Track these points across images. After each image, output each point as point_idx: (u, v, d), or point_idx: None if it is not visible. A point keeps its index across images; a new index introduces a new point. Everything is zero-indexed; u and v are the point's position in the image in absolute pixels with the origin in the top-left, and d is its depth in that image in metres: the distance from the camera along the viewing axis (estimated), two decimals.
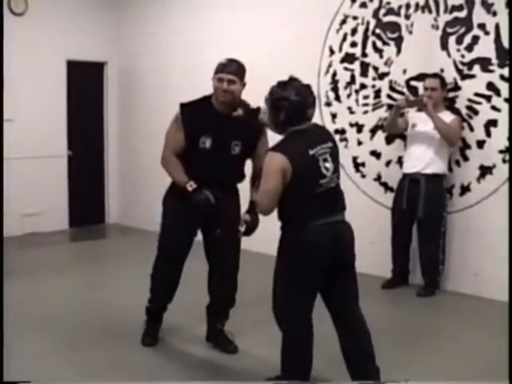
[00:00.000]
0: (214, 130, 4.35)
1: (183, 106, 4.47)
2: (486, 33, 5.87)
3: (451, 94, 6.11)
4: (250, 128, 4.38)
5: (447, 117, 5.97)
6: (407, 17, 6.39)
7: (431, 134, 5.95)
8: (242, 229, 4.20)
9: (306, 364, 3.84)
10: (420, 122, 6.04)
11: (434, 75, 6.05)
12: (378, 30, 6.62)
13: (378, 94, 6.68)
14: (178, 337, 4.97)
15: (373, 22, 6.66)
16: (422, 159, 6.02)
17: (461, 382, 4.07)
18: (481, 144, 5.99)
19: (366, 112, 6.76)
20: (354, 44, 6.84)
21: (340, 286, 3.79)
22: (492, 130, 5.91)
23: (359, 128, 6.81)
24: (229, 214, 4.42)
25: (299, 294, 3.72)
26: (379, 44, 6.63)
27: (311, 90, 3.76)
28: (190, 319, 5.19)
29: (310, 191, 3.60)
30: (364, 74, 6.77)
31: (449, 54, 6.11)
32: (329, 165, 3.64)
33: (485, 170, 5.98)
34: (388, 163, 6.60)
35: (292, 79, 3.73)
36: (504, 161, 5.83)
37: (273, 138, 3.95)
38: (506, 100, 5.78)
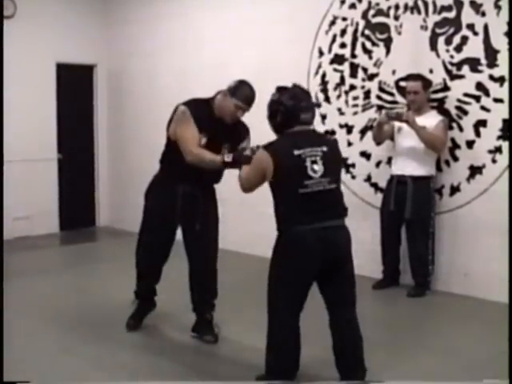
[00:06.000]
0: (211, 130, 4.57)
1: (187, 104, 4.64)
2: (475, 33, 5.89)
3: (440, 95, 6.12)
4: (238, 135, 4.71)
5: (433, 118, 5.98)
6: (396, 18, 6.40)
7: (416, 143, 5.95)
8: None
9: (287, 364, 3.89)
10: (405, 126, 6.02)
11: (416, 77, 6.04)
12: (367, 31, 6.63)
13: (367, 94, 6.69)
14: (174, 331, 5.02)
15: (362, 23, 6.67)
16: (409, 164, 6.04)
17: (460, 383, 4.07)
18: (470, 144, 6.00)
19: (355, 113, 6.77)
20: (343, 45, 6.84)
21: (335, 291, 3.87)
22: (481, 130, 5.92)
23: (349, 129, 6.82)
24: (207, 210, 4.78)
25: (284, 296, 3.81)
26: (368, 45, 6.64)
27: (309, 95, 4.00)
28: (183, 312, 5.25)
29: (293, 190, 3.69)
30: (353, 75, 6.78)
31: (438, 55, 6.13)
32: (317, 167, 3.71)
33: (474, 170, 5.99)
34: (378, 164, 6.61)
35: (294, 86, 3.93)
36: (493, 161, 5.84)
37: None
38: (495, 100, 5.80)
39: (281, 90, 3.91)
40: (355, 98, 6.78)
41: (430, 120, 5.95)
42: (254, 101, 4.61)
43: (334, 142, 3.98)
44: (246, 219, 7.66)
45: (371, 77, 6.65)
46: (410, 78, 6.10)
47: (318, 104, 6.12)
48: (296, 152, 3.70)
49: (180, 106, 4.66)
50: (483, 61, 5.85)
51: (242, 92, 4.58)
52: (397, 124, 6.13)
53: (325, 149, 3.78)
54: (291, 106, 3.79)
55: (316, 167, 3.71)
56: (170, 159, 4.76)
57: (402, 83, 6.32)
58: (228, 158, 4.31)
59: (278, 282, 3.82)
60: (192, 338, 4.92)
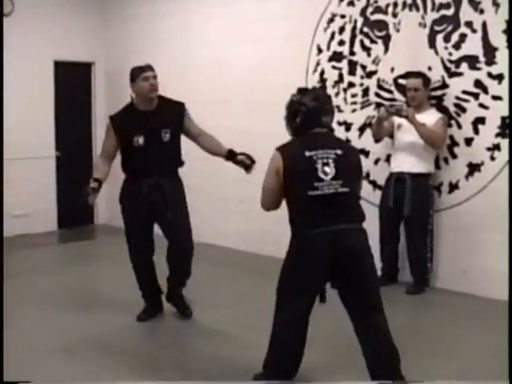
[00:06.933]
0: (143, 128, 4.99)
1: (112, 117, 5.19)
2: (474, 31, 5.89)
3: (439, 92, 6.13)
4: (172, 114, 5.11)
5: (433, 116, 5.98)
6: (395, 15, 6.40)
7: (415, 139, 5.95)
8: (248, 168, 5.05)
9: (286, 364, 3.88)
10: (404, 122, 6.02)
11: (416, 75, 6.05)
12: (365, 29, 6.63)
13: (366, 92, 6.69)
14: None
15: (360, 21, 6.66)
16: (408, 160, 6.04)
17: (460, 382, 4.06)
18: (469, 141, 6.01)
19: (354, 110, 6.77)
20: (341, 42, 6.84)
21: (353, 296, 3.76)
22: (480, 127, 5.92)
23: (347, 126, 6.82)
24: (175, 197, 5.09)
25: (291, 298, 3.76)
26: (367, 42, 6.64)
27: (330, 98, 3.95)
28: None
29: (302, 192, 3.63)
30: (352, 72, 6.78)
31: (436, 52, 6.13)
32: (329, 169, 3.63)
33: (473, 168, 5.99)
34: (376, 161, 6.61)
35: (313, 88, 3.88)
36: (492, 158, 5.85)
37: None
38: (493, 97, 5.80)
39: (302, 90, 3.86)
40: (354, 96, 6.78)
41: (430, 117, 5.96)
42: (147, 66, 5.06)
43: (350, 147, 3.91)
44: (246, 217, 7.65)
45: (370, 74, 6.65)
46: (410, 75, 6.10)
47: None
48: (307, 153, 3.63)
49: (108, 119, 5.20)
50: (482, 58, 5.85)
51: (136, 69, 5.06)
52: (396, 121, 6.13)
53: (339, 152, 3.69)
54: (313, 108, 3.72)
55: (327, 169, 3.62)
56: (127, 163, 5.13)
57: (401, 81, 6.33)
58: (91, 183, 4.95)
59: (286, 284, 3.77)
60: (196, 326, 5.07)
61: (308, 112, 3.72)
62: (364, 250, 3.77)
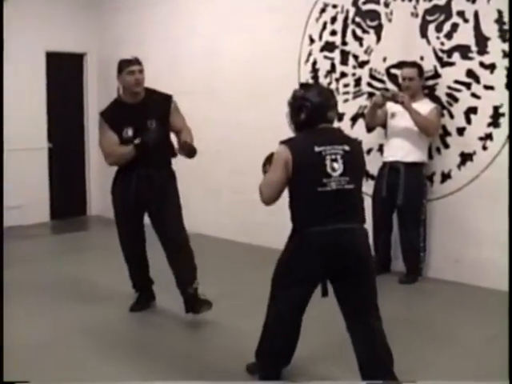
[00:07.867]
0: (131, 120, 4.99)
1: (101, 113, 5.21)
2: (466, 20, 5.89)
3: (431, 82, 6.13)
4: (158, 105, 5.09)
5: (427, 105, 5.99)
6: (386, 5, 6.40)
7: (410, 125, 5.97)
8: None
9: (279, 354, 3.90)
10: (399, 111, 6.04)
11: (411, 64, 6.06)
12: (357, 19, 6.63)
13: (358, 82, 6.69)
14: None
15: (352, 10, 6.66)
16: (401, 148, 6.04)
17: (459, 382, 4.07)
18: (461, 131, 6.02)
19: (346, 100, 6.77)
20: (333, 32, 6.84)
21: (349, 295, 3.73)
22: (472, 117, 5.93)
23: (340, 116, 6.80)
24: (164, 190, 5.07)
25: (285, 293, 3.75)
26: (359, 32, 6.63)
27: (333, 93, 3.91)
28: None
29: (311, 188, 3.59)
30: (344, 62, 6.78)
31: (428, 42, 6.13)
32: (337, 165, 3.60)
33: (465, 157, 6.01)
34: (369, 151, 6.61)
35: (316, 83, 3.84)
36: (484, 148, 5.86)
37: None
38: (486, 87, 5.81)
39: (305, 86, 3.86)
40: (346, 86, 6.78)
41: (424, 107, 5.96)
42: (134, 59, 5.11)
43: (357, 143, 3.90)
44: (240, 207, 7.66)
45: (362, 64, 6.65)
46: (405, 64, 6.10)
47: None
48: (317, 149, 3.59)
49: (98, 116, 5.21)
50: (474, 48, 5.86)
51: (124, 62, 5.11)
52: (390, 110, 6.14)
53: (347, 148, 3.66)
54: (318, 103, 3.68)
55: (336, 165, 3.59)
56: None
57: (394, 70, 6.33)
58: (137, 141, 4.88)
59: (282, 275, 3.77)
60: (190, 316, 5.04)
61: (313, 107, 3.68)
62: (363, 251, 3.73)
